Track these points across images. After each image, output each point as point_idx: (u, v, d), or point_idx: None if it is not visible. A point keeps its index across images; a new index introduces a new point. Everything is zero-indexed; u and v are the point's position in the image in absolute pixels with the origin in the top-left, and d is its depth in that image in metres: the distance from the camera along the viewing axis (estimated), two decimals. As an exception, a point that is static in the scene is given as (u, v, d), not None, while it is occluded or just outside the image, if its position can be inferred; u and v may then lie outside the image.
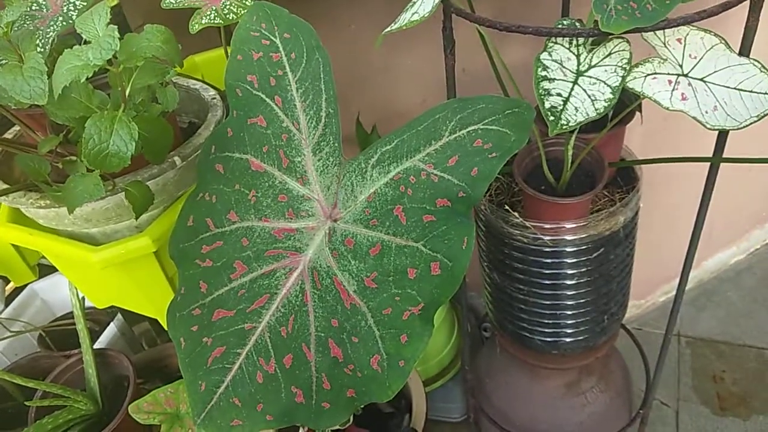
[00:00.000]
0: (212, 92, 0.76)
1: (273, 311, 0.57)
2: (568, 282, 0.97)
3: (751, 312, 1.72)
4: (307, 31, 0.59)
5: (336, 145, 0.57)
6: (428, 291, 0.51)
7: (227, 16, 0.68)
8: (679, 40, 0.69)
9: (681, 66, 0.68)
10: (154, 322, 1.07)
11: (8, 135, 0.73)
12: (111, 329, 1.01)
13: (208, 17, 0.69)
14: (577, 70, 0.64)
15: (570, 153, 0.84)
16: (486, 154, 0.51)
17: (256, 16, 0.60)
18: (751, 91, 0.67)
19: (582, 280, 0.97)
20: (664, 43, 0.68)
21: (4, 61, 0.48)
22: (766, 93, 0.67)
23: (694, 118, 0.65)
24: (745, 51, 0.69)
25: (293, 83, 0.58)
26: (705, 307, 1.75)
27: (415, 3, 0.69)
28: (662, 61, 0.67)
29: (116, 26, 0.43)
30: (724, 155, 0.79)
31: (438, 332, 1.51)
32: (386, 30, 0.67)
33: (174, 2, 0.70)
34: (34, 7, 0.63)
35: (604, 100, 0.62)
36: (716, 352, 1.65)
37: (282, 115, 0.59)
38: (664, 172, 1.27)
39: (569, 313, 1.02)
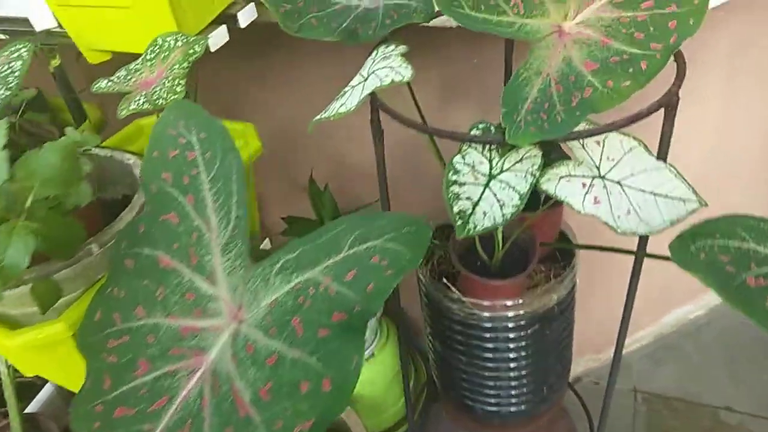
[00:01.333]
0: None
1: (171, 414, 0.57)
2: (506, 356, 0.98)
3: (709, 369, 1.73)
4: (222, 132, 0.60)
5: (243, 247, 0.58)
6: (319, 407, 0.51)
7: (156, 101, 0.69)
8: (597, 142, 0.70)
9: (598, 168, 0.69)
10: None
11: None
12: (47, 389, 1.01)
13: (136, 102, 0.70)
14: (489, 173, 0.66)
15: (500, 235, 0.85)
16: (382, 271, 0.52)
17: (174, 115, 0.61)
18: (666, 196, 0.68)
19: (520, 354, 0.98)
20: (582, 145, 0.70)
21: None
22: (681, 198, 0.68)
23: (605, 222, 0.66)
24: (662, 155, 0.70)
25: (206, 182, 0.59)
26: (663, 362, 1.76)
27: (345, 94, 0.71)
28: (578, 163, 0.68)
29: (6, 152, 0.44)
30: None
31: (393, 385, 1.51)
32: (316, 118, 0.69)
33: (104, 86, 0.71)
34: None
35: (512, 206, 0.64)
36: (671, 409, 1.66)
37: (193, 213, 0.59)
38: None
39: (509, 384, 1.03)
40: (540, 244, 0.90)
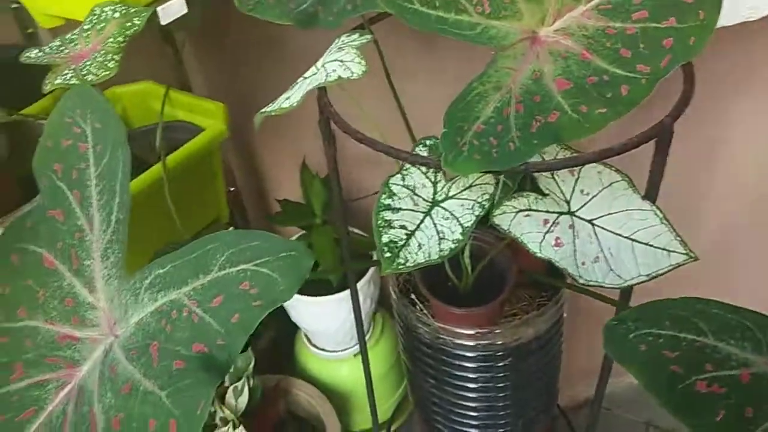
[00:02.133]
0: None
1: (35, 429, 0.52)
2: (475, 385, 0.89)
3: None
4: (117, 124, 0.53)
5: (120, 255, 0.52)
6: (164, 452, 0.45)
7: (85, 77, 0.63)
8: (572, 171, 0.59)
9: (568, 203, 0.59)
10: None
11: None
12: None
13: (63, 77, 0.64)
14: (433, 199, 0.56)
15: (467, 259, 0.75)
16: (251, 300, 0.45)
17: (72, 101, 0.54)
18: (647, 244, 0.57)
19: (490, 385, 0.89)
20: (552, 174, 0.59)
21: None
22: (665, 249, 0.57)
23: (564, 269, 0.56)
24: (650, 195, 0.59)
25: (93, 178, 0.53)
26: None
27: (294, 86, 0.63)
28: (541, 197, 0.58)
29: None
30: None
31: (383, 382, 1.45)
32: (261, 111, 0.61)
33: (33, 57, 0.66)
34: None
35: (452, 241, 0.54)
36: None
37: (78, 211, 0.53)
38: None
39: (480, 414, 0.94)
40: (519, 271, 0.79)
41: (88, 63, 0.64)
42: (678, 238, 0.57)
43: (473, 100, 0.52)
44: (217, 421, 1.20)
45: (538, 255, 0.56)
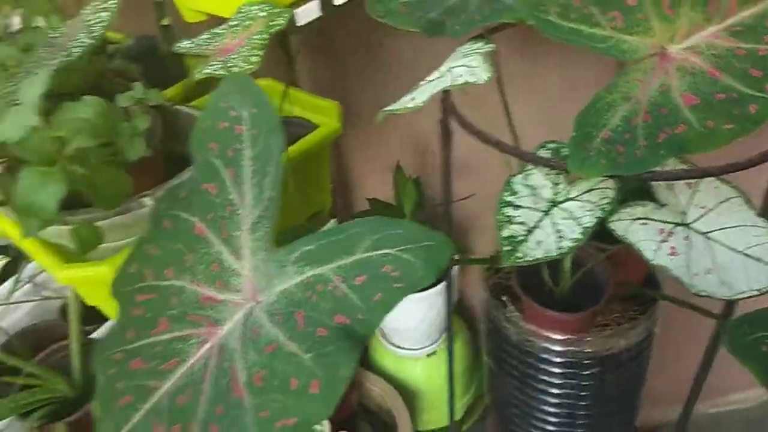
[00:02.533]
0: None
1: (176, 378, 0.58)
2: (560, 391, 0.91)
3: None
4: (271, 111, 0.58)
5: (269, 229, 0.57)
6: (305, 408, 0.50)
7: (231, 69, 0.70)
8: (689, 184, 0.61)
9: (684, 214, 0.61)
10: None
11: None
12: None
13: (212, 67, 0.71)
14: (552, 199, 0.59)
15: (568, 263, 0.78)
16: (392, 282, 0.49)
17: (230, 87, 0.60)
18: (758, 260, 0.59)
19: (575, 392, 0.90)
20: (670, 187, 0.61)
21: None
22: (777, 266, 0.58)
23: (677, 278, 0.58)
24: (766, 213, 0.60)
25: (248, 159, 0.59)
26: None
27: (418, 88, 0.67)
28: (659, 206, 0.60)
29: (40, 100, 0.45)
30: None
31: (456, 381, 1.47)
32: (384, 110, 0.66)
33: (184, 47, 0.73)
34: (54, 35, 0.68)
35: (571, 240, 0.57)
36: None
37: (232, 187, 0.59)
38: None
39: (555, 420, 0.95)
40: (617, 283, 0.81)
41: (234, 56, 0.70)
42: (793, 256, 0.58)
43: (602, 108, 0.55)
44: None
45: (653, 263, 0.58)
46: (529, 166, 0.60)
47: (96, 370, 0.62)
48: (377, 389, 1.40)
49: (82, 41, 0.64)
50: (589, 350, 0.84)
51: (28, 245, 0.72)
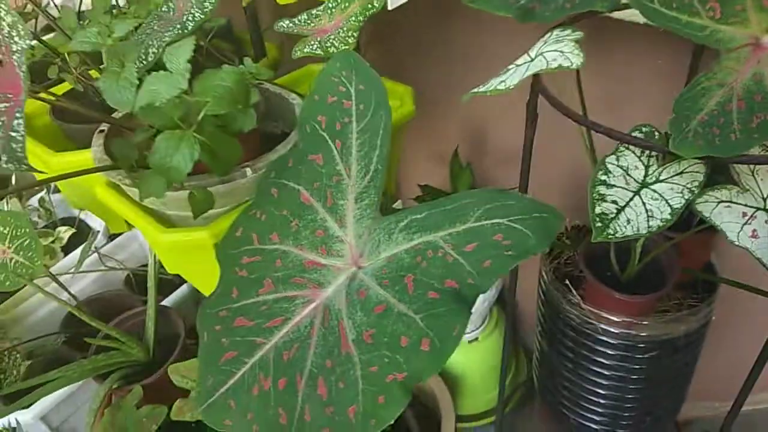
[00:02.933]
0: (306, 110, 0.82)
1: (283, 334, 0.61)
2: (615, 373, 0.94)
3: None
4: (380, 87, 0.62)
5: (375, 198, 0.61)
6: (414, 364, 0.53)
7: (328, 48, 0.73)
8: (771, 171, 0.64)
9: (765, 200, 0.63)
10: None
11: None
12: (183, 289, 1.12)
13: (310, 46, 0.74)
14: (643, 180, 0.62)
15: (638, 249, 0.81)
16: (503, 250, 0.52)
17: (340, 63, 0.64)
18: (839, 246, 0.61)
19: (630, 376, 0.93)
20: (752, 172, 0.64)
21: (111, 67, 0.57)
22: None
23: (759, 259, 0.61)
24: None
25: (355, 132, 0.62)
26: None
27: (507, 71, 0.70)
28: (743, 190, 0.63)
29: (189, 66, 0.49)
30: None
31: (492, 373, 1.51)
32: (472, 91, 0.69)
33: (285, 26, 0.76)
34: (163, 9, 0.72)
35: (661, 219, 0.60)
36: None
37: (338, 158, 0.63)
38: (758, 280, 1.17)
39: (611, 403, 0.98)
40: (682, 269, 0.84)
41: (331, 36, 0.74)
42: None
43: (698, 93, 0.58)
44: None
45: (736, 244, 0.61)
46: (622, 147, 0.63)
47: (200, 326, 0.66)
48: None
49: (195, 16, 0.68)
50: (648, 334, 0.87)
51: (129, 212, 0.76)
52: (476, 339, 1.45)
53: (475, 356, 1.47)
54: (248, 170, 0.71)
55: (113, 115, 0.78)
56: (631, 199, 0.61)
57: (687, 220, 0.82)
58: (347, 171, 0.62)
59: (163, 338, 0.98)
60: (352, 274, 0.61)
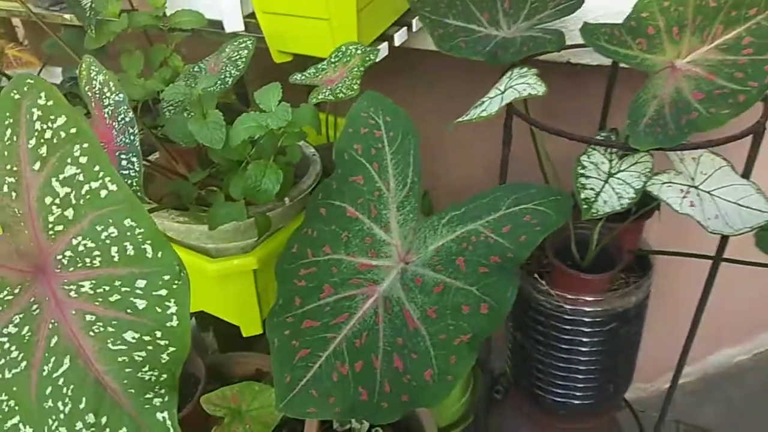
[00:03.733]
0: (312, 150, 0.95)
1: (351, 326, 0.73)
2: (581, 348, 1.11)
3: (751, 413, 1.81)
4: (404, 117, 0.77)
5: (416, 205, 0.75)
6: (476, 325, 0.67)
7: (338, 95, 0.87)
8: (693, 159, 0.86)
9: (693, 179, 0.85)
10: (218, 334, 1.22)
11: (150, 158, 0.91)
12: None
13: (323, 94, 0.88)
14: (609, 172, 0.81)
15: (596, 236, 1.00)
16: (532, 227, 0.68)
17: (368, 102, 0.78)
18: (748, 207, 0.83)
19: (594, 349, 1.11)
20: (681, 160, 0.85)
21: (192, 114, 0.67)
22: (760, 210, 0.83)
23: (698, 222, 0.81)
24: (746, 174, 0.85)
25: (389, 154, 0.76)
26: (706, 400, 1.85)
27: (484, 102, 0.88)
28: (677, 173, 0.84)
29: (288, 104, 0.61)
30: (732, 257, 0.94)
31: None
32: (458, 120, 0.86)
33: (299, 79, 0.90)
34: (195, 69, 0.83)
35: (628, 198, 0.79)
36: (712, 443, 1.74)
37: (377, 177, 0.76)
38: (676, 268, 1.42)
39: (580, 377, 1.16)
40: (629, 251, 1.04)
41: (339, 85, 0.88)
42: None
43: (641, 104, 0.79)
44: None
45: (679, 212, 0.81)
46: (590, 148, 0.82)
47: (269, 335, 0.76)
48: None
49: (232, 72, 0.80)
50: (606, 308, 1.06)
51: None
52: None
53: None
54: (287, 200, 0.82)
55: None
56: (603, 186, 0.80)
57: (623, 214, 1.04)
58: (386, 186, 0.76)
59: (180, 380, 1.03)
60: (402, 269, 0.74)
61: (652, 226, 1.39)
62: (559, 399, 1.20)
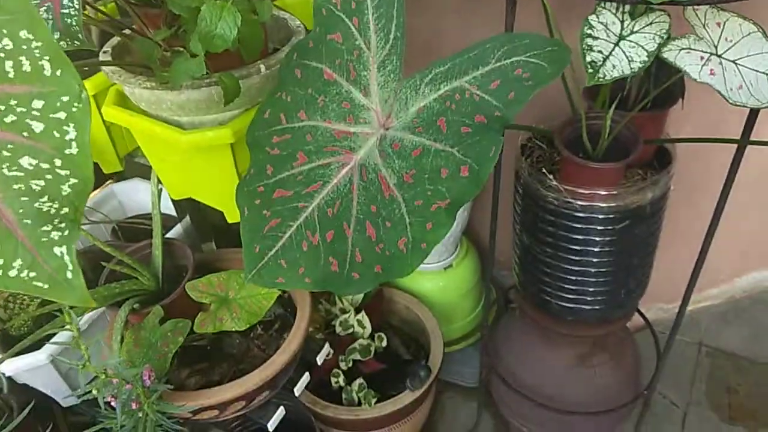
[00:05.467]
0: (298, 22, 0.87)
1: (324, 195, 0.67)
2: (593, 249, 1.04)
3: (779, 336, 1.73)
4: (388, -33, 0.69)
5: (398, 63, 0.67)
6: (455, 190, 0.61)
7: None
8: (718, 23, 0.76)
9: (716, 47, 0.75)
10: (219, 237, 1.20)
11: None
12: (178, 228, 1.14)
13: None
14: (620, 34, 0.72)
15: (608, 123, 0.91)
16: (523, 82, 0.61)
17: (347, -50, 0.70)
18: (777, 77, 0.73)
19: (605, 249, 1.04)
20: (704, 25, 0.75)
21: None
22: (790, 80, 0.73)
23: (718, 92, 0.72)
24: (780, 41, 0.75)
25: (370, 8, 0.69)
26: (732, 323, 1.78)
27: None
28: (698, 39, 0.74)
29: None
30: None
31: (466, 299, 1.60)
32: None
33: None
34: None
35: (640, 62, 0.70)
36: (735, 366, 1.68)
37: (356, 34, 0.69)
38: (701, 174, 1.32)
39: (590, 280, 1.09)
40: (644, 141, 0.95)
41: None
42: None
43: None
44: (337, 311, 1.36)
45: (698, 81, 0.72)
46: (600, 6, 0.73)
47: (239, 203, 0.71)
48: (402, 301, 1.51)
49: None
50: (621, 204, 0.98)
51: (144, 123, 0.79)
52: (450, 266, 1.55)
53: (451, 283, 1.56)
54: (262, 66, 0.76)
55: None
56: (613, 49, 0.71)
57: (641, 101, 0.94)
58: (367, 44, 0.69)
59: (170, 270, 1.01)
60: (382, 135, 0.68)
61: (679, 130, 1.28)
62: (567, 305, 1.14)
